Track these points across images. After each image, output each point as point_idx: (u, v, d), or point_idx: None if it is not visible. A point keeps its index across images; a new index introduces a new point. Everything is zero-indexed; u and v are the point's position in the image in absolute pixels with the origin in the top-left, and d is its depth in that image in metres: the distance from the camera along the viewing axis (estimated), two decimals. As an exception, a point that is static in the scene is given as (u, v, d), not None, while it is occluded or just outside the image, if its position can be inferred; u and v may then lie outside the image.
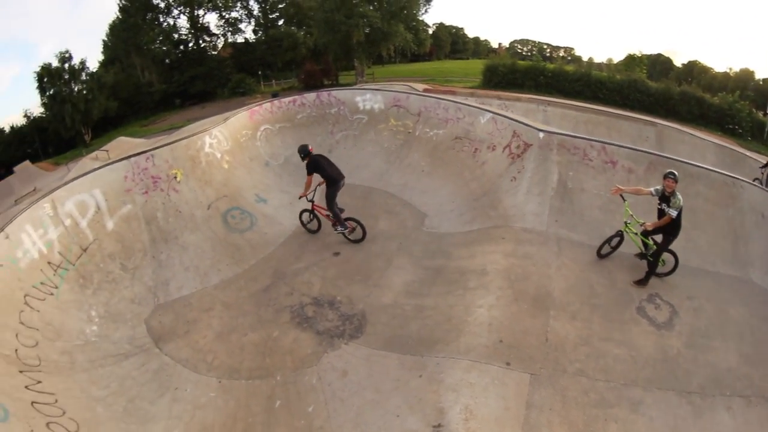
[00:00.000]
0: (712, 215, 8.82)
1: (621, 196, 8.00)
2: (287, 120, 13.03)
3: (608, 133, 18.08)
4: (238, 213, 10.04)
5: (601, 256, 8.37)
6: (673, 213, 7.33)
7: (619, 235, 8.19)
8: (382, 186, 11.32)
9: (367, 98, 13.26)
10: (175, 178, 9.66)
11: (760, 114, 36.07)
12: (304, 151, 9.04)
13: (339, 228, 9.26)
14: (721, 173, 9.52)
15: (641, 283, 8.02)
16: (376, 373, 6.26)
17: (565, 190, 9.49)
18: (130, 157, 9.47)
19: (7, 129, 52.68)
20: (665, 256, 8.14)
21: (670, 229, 7.59)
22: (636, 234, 8.02)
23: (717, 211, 9.00)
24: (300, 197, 9.21)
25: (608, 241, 8.28)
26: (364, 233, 9.31)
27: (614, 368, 6.43)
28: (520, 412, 5.55)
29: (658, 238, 7.81)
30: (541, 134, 9.99)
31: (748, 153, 20.28)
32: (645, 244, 8.05)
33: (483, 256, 8.21)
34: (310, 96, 13.67)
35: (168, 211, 9.27)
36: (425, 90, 19.38)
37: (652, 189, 7.65)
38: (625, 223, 8.05)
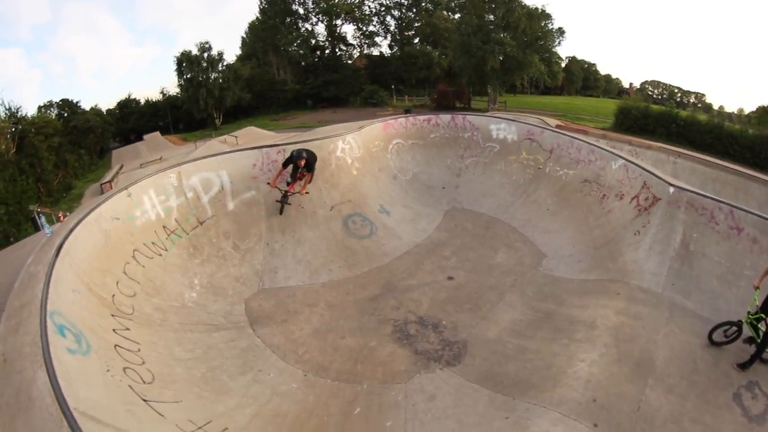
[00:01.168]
0: None
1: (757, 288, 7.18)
2: (420, 137, 13.37)
3: (735, 194, 16.05)
4: (359, 219, 10.47)
5: (712, 342, 7.58)
6: None
7: (738, 325, 7.37)
8: (506, 218, 11.32)
9: (501, 127, 13.30)
10: (304, 174, 10.23)
11: None
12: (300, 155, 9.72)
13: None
14: None
15: (744, 366, 7.24)
16: (463, 404, 6.20)
17: (687, 253, 8.83)
18: (262, 147, 10.23)
19: (142, 102, 59.33)
20: None
21: None
22: (752, 318, 7.23)
23: None
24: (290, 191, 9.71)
25: (724, 328, 7.52)
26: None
27: None
28: None
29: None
30: (672, 189, 9.38)
31: None
32: (756, 329, 7.24)
33: (595, 309, 7.87)
34: (445, 117, 13.94)
35: (291, 205, 9.84)
36: (557, 126, 18.84)
37: None
38: (748, 313, 7.26)
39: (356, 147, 11.77)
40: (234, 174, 9.50)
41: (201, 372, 6.32)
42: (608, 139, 19.61)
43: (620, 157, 11.15)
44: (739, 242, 8.62)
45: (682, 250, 8.92)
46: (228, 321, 7.57)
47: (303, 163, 9.55)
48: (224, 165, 9.48)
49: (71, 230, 6.58)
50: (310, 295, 8.52)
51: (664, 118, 30.13)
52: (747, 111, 57.93)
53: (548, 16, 43.86)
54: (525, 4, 42.56)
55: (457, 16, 54.20)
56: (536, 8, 42.64)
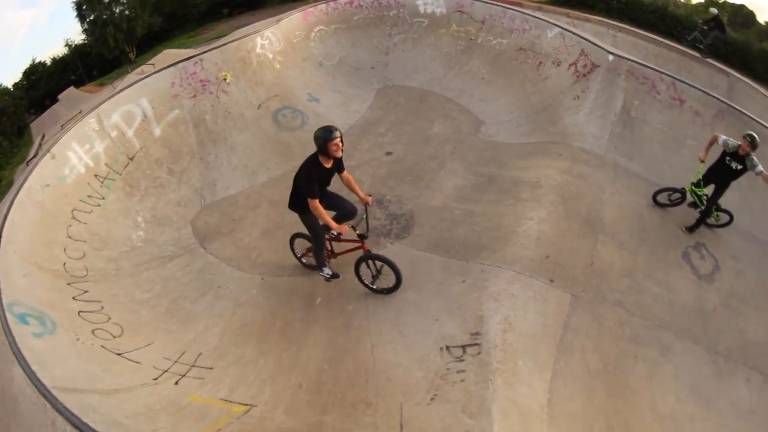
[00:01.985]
0: None
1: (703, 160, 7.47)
2: (343, 21, 12.54)
3: (678, 71, 16.57)
4: (289, 112, 9.93)
5: (656, 203, 7.99)
6: (760, 168, 6.91)
7: (681, 193, 7.77)
8: (439, 90, 11.02)
9: (429, 2, 12.62)
10: (225, 79, 9.53)
11: None
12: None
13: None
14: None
15: (691, 229, 7.79)
16: (419, 274, 6.26)
17: (628, 118, 9.06)
18: (177, 63, 9.35)
19: (48, 62, 52.81)
20: (723, 216, 7.88)
21: (726, 182, 7.29)
22: (695, 189, 7.62)
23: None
24: None
25: (668, 193, 7.92)
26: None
27: (652, 307, 6.33)
28: (557, 332, 5.53)
29: (709, 190, 7.51)
30: (611, 57, 9.46)
31: None
32: (699, 197, 7.66)
33: (538, 169, 7.96)
34: None
35: (217, 113, 9.22)
36: None
37: (721, 138, 7.17)
38: (692, 183, 7.61)
39: (276, 41, 10.97)
40: (154, 99, 8.71)
41: (165, 307, 6.20)
42: (544, 12, 19.08)
43: (556, 25, 10.98)
44: (682, 113, 9.00)
45: (623, 115, 9.13)
46: (179, 248, 7.29)
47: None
48: (142, 93, 8.64)
49: (5, 216, 6.05)
50: (252, 197, 8.24)
51: None
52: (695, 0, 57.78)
53: None
54: None
55: None
56: None
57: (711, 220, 7.98)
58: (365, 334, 5.62)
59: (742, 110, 8.97)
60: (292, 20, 11.89)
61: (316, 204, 5.33)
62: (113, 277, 6.51)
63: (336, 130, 5.32)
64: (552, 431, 4.59)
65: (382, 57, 12.24)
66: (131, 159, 8.15)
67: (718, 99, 9.22)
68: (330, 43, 12.18)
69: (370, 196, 5.78)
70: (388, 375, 5.07)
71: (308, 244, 6.38)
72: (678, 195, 7.85)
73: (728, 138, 7.11)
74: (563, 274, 6.10)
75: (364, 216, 5.63)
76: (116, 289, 6.30)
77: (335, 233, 5.57)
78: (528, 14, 11.64)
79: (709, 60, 18.63)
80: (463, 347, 5.15)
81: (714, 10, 17.37)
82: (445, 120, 9.97)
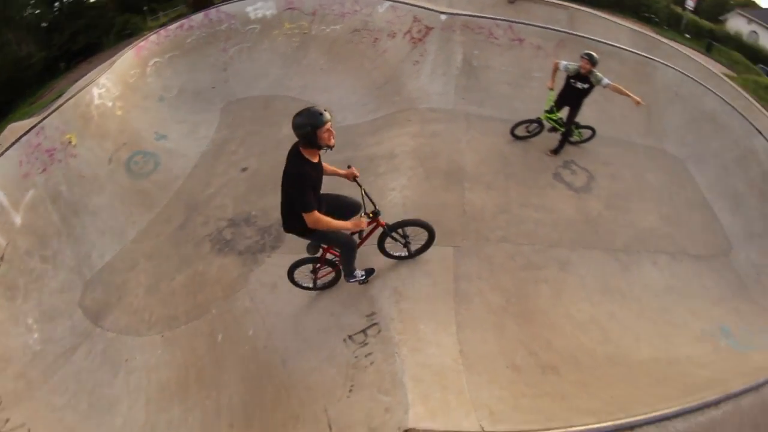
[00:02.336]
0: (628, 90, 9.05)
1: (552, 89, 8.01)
2: (176, 47, 12.14)
3: (517, 16, 17.80)
4: (140, 158, 9.53)
5: (515, 137, 8.46)
6: (606, 81, 7.52)
7: (538, 122, 8.30)
8: (282, 92, 11.02)
9: (258, 6, 12.48)
10: (70, 143, 8.92)
11: (679, 9, 37.00)
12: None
13: None
14: (634, 52, 9.76)
15: (555, 151, 8.38)
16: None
17: (470, 69, 9.56)
18: (19, 138, 8.60)
19: None
20: (584, 130, 8.53)
21: (577, 102, 7.86)
22: (550, 116, 8.17)
23: (630, 87, 9.24)
24: None
25: (525, 125, 8.38)
26: None
27: (537, 232, 6.75)
28: (449, 286, 5.75)
29: (564, 114, 8.07)
30: (443, 17, 9.92)
31: (664, 40, 20.61)
32: (555, 121, 8.24)
33: (390, 140, 8.20)
34: (197, 17, 12.66)
35: (71, 181, 8.63)
36: None
37: (561, 63, 7.69)
38: (545, 111, 8.14)
39: (113, 86, 10.42)
40: (5, 184, 7.90)
41: (86, 402, 5.84)
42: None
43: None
44: (523, 50, 9.65)
45: (465, 67, 9.62)
46: (76, 336, 6.84)
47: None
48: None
49: None
50: (127, 258, 7.89)
51: None
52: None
53: None
54: None
55: None
56: None
57: (575, 138, 8.63)
58: (272, 352, 5.60)
59: (581, 34, 9.74)
60: (125, 60, 11.33)
61: (316, 217, 4.45)
62: (27, 393, 6.02)
63: (324, 111, 4.40)
64: (472, 377, 4.75)
65: (221, 74, 12.02)
66: (1, 259, 7.52)
67: (556, 30, 10.04)
68: (167, 74, 11.75)
69: (349, 167, 5.23)
70: (305, 383, 5.09)
71: (311, 266, 5.57)
72: (535, 125, 8.39)
73: (568, 63, 7.65)
74: (439, 230, 6.20)
75: (363, 193, 5.11)
76: (35, 404, 5.87)
77: (356, 231, 4.97)
78: None
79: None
80: (364, 331, 5.24)
81: None
82: (288, 119, 9.78)
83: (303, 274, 5.67)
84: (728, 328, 6.87)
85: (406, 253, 5.84)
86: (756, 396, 4.72)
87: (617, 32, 18.90)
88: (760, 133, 10.79)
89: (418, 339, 5.03)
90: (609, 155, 8.76)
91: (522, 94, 9.25)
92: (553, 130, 8.44)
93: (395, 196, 6.89)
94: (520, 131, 8.51)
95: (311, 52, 11.59)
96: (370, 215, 5.11)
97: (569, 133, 8.29)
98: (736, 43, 38.99)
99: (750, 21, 48.39)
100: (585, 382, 4.93)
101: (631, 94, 7.66)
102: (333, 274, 5.81)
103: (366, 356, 4.99)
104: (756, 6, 55.10)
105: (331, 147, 4.53)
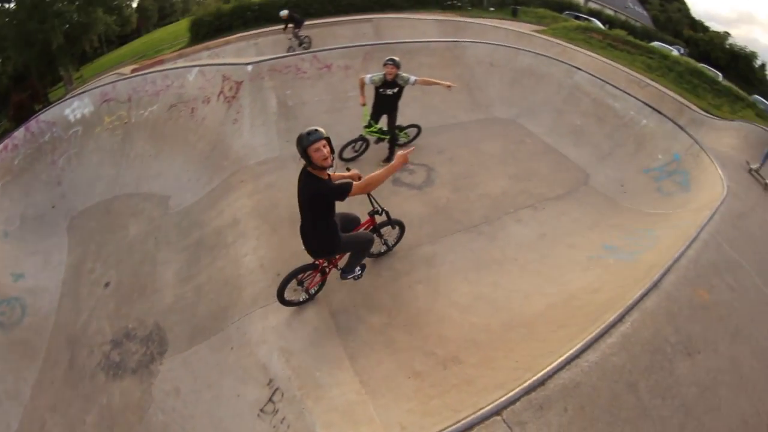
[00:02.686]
0: (441, 78, 9.35)
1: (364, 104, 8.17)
2: (6, 173, 10.82)
3: (324, 42, 18.45)
4: (5, 307, 8.36)
5: (345, 160, 8.55)
6: (413, 79, 7.77)
7: (362, 139, 8.48)
8: (119, 191, 10.32)
9: (75, 107, 11.54)
10: None
11: None
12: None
13: None
14: (440, 41, 10.17)
15: (388, 159, 8.58)
16: (198, 371, 5.94)
17: (287, 110, 9.58)
18: None
19: None
20: (409, 129, 8.88)
21: (392, 107, 8.09)
22: (370, 129, 8.34)
23: (445, 73, 9.63)
24: None
25: (351, 145, 8.49)
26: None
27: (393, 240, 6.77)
28: (329, 325, 5.67)
29: (384, 123, 8.29)
30: (249, 67, 9.84)
31: (469, 20, 22.61)
32: (377, 132, 8.45)
33: (230, 207, 7.98)
34: (19, 133, 11.44)
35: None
36: (133, 71, 17.63)
37: (366, 78, 7.85)
38: (364, 127, 8.32)
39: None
40: None
41: None
42: (185, 57, 19.27)
43: (194, 66, 11.04)
44: (333, 76, 9.90)
45: (282, 109, 9.62)
46: None
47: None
48: None
49: None
50: (34, 419, 6.86)
51: (237, 11, 30.12)
52: None
53: None
54: None
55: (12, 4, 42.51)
56: None
57: (402, 140, 8.82)
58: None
59: (382, 42, 10.05)
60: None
61: (363, 183, 4.69)
62: None
63: (316, 130, 4.56)
64: (378, 401, 4.71)
65: (57, 190, 10.91)
66: None
67: (359, 45, 10.46)
68: (5, 205, 10.42)
69: (348, 169, 5.47)
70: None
71: (306, 273, 5.62)
72: (360, 142, 8.57)
73: (371, 75, 7.85)
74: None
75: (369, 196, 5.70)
76: None
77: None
78: (166, 69, 11.48)
79: (349, 17, 21.07)
80: (270, 400, 5.07)
81: (284, 13, 18.86)
82: (136, 217, 9.41)
83: (291, 291, 5.72)
84: (611, 245, 7.30)
85: (386, 248, 6.54)
86: (659, 293, 5.04)
87: (424, 27, 20.21)
88: (579, 68, 11.75)
89: (317, 387, 4.96)
90: (441, 143, 9.16)
91: (342, 118, 9.43)
92: (380, 140, 8.65)
93: (250, 261, 6.70)
94: (348, 153, 8.64)
95: (136, 141, 11.01)
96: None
97: (395, 139, 8.55)
98: (540, 1, 42.94)
99: None
100: (488, 359, 4.99)
101: (439, 81, 8.04)
102: (321, 280, 5.92)
103: (281, 422, 4.84)
104: None
105: (325, 167, 4.63)
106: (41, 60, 36.12)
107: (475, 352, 5.13)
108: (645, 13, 64.01)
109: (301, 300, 5.87)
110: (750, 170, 13.55)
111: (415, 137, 9.19)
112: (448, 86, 7.93)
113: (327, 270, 5.79)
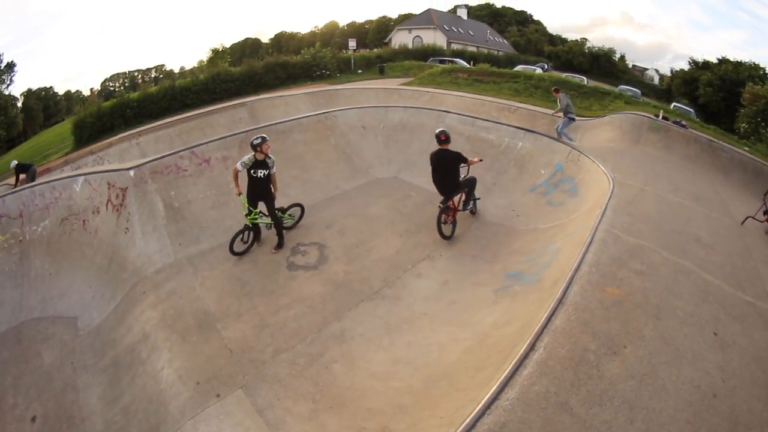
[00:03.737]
0: (318, 152, 9.60)
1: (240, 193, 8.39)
2: None
3: (203, 133, 18.65)
4: None
5: (236, 253, 8.59)
6: (274, 168, 8.23)
7: (248, 228, 8.56)
8: (25, 316, 9.55)
9: None
10: None
11: (345, 52, 42.51)
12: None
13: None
14: (310, 115, 10.51)
15: (279, 245, 8.81)
16: None
17: (175, 212, 9.48)
18: None
19: None
20: (292, 210, 9.15)
21: (264, 191, 8.33)
22: (252, 216, 8.48)
23: (320, 145, 9.85)
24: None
25: (239, 237, 8.52)
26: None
27: (301, 326, 6.92)
28: (259, 423, 5.59)
29: (263, 206, 8.52)
30: (131, 172, 9.65)
31: (338, 87, 23.85)
32: (256, 218, 8.59)
33: (138, 322, 7.75)
34: None
35: None
36: (22, 181, 16.73)
37: (238, 165, 8.09)
38: (246, 215, 8.46)
39: None
40: None
41: None
42: (70, 163, 18.54)
43: (78, 175, 10.64)
44: (213, 169, 10.00)
45: (169, 212, 9.48)
46: None
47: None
48: None
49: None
50: None
51: (117, 109, 29.47)
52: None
53: None
54: None
55: None
56: None
57: (288, 222, 9.01)
58: None
59: (253, 127, 10.17)
60: None
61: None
62: None
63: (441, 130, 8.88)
64: None
65: None
66: None
67: (230, 135, 10.49)
68: None
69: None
70: None
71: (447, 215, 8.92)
72: (247, 232, 8.63)
73: (241, 160, 8.11)
74: (219, 381, 6.19)
75: None
76: None
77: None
78: (52, 180, 10.99)
79: (224, 104, 21.45)
80: None
81: (13, 164, 17.89)
82: (45, 344, 8.76)
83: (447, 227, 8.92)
84: (514, 271, 7.60)
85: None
86: (566, 308, 5.22)
87: (297, 102, 20.90)
88: (448, 111, 12.50)
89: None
90: (329, 216, 9.53)
91: (229, 210, 9.55)
92: (266, 226, 8.88)
93: (168, 374, 6.51)
94: (239, 246, 8.65)
95: (34, 259, 10.31)
96: None
97: (279, 223, 8.73)
98: (405, 54, 45.97)
99: (411, 30, 59.24)
100: (415, 421, 5.04)
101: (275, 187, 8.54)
102: (454, 216, 9.16)
103: None
104: (412, 15, 66.80)
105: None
106: None
107: (402, 417, 5.20)
108: (505, 42, 69.74)
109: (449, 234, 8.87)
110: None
111: (300, 217, 9.40)
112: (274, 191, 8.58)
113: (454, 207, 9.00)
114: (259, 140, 8.04)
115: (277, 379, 6.08)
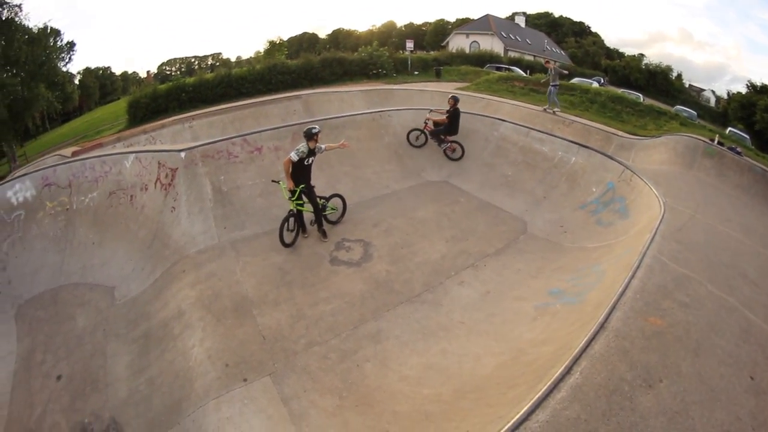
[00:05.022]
0: (370, 150, 9.59)
1: (275, 181, 8.61)
2: None
3: (257, 122, 18.95)
4: None
5: (287, 245, 8.62)
6: (322, 149, 8.42)
7: (292, 214, 8.58)
8: (64, 280, 9.95)
9: (17, 189, 11.19)
10: None
11: (402, 52, 42.41)
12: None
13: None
14: (364, 113, 10.52)
15: (324, 236, 8.85)
16: None
17: (222, 196, 9.62)
18: None
19: None
20: (333, 201, 9.14)
21: (308, 176, 8.45)
22: (295, 202, 8.50)
23: (372, 144, 9.87)
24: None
25: (285, 225, 8.53)
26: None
27: (338, 321, 6.87)
28: (282, 412, 5.57)
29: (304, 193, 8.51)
30: (183, 154, 9.85)
31: (395, 87, 23.88)
32: (302, 205, 8.64)
33: (174, 298, 7.87)
34: None
35: None
36: (74, 153, 17.23)
37: (292, 155, 8.16)
38: (290, 200, 8.50)
39: None
40: None
41: None
42: (123, 140, 19.05)
43: (131, 152, 10.97)
44: (264, 158, 10.06)
45: (217, 196, 9.65)
46: None
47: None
48: None
49: None
50: None
51: (173, 92, 30.46)
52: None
53: (56, 33, 37.29)
54: (27, 27, 34.43)
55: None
56: (40, 29, 35.13)
57: (330, 211, 8.97)
58: None
59: (308, 120, 10.20)
60: None
61: None
62: None
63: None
64: None
65: (1, 275, 10.33)
66: None
67: (286, 126, 10.61)
68: None
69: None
70: None
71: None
72: (291, 219, 8.63)
73: (295, 150, 8.20)
74: (249, 366, 6.20)
75: None
76: None
77: None
78: (104, 155, 11.36)
79: (279, 95, 21.78)
80: None
81: None
82: (82, 308, 9.09)
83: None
84: (557, 289, 7.38)
85: None
86: (606, 334, 4.99)
87: (351, 99, 20.96)
88: (503, 120, 12.28)
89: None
90: (376, 215, 9.46)
91: (276, 200, 9.59)
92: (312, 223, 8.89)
93: (198, 353, 6.58)
94: (287, 237, 8.66)
95: (79, 228, 10.70)
96: None
97: (320, 209, 8.73)
98: (462, 58, 45.50)
99: (468, 35, 58.92)
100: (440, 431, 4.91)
101: (333, 145, 8.64)
102: None
103: None
104: (469, 20, 66.48)
105: None
106: (-19, 134, 34.97)
107: (427, 425, 5.09)
108: (563, 52, 68.34)
109: None
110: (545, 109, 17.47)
111: (343, 211, 9.48)
112: (342, 145, 8.65)
113: None
114: (317, 129, 8.17)
115: (306, 371, 6.05)
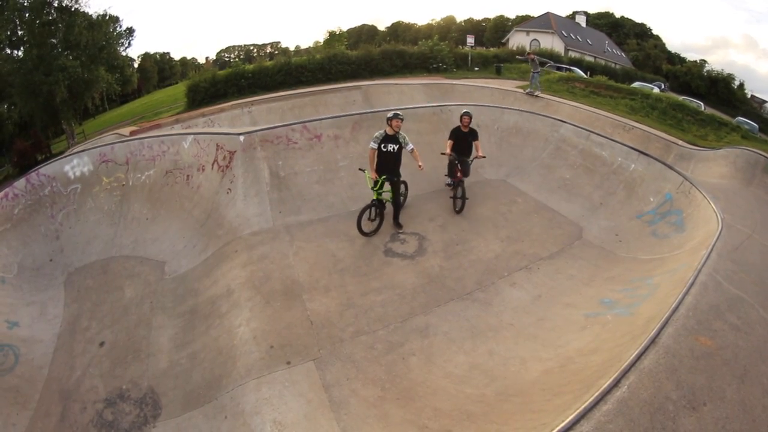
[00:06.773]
0: (430, 144, 9.69)
1: (361, 169, 8.55)
2: (6, 221, 10.82)
3: (316, 110, 19.20)
4: None
5: (365, 234, 8.60)
6: (410, 146, 8.32)
7: (374, 203, 8.52)
8: (115, 252, 10.34)
9: (74, 164, 11.63)
10: None
11: (462, 47, 42.39)
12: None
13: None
14: (425, 106, 10.52)
15: (397, 225, 8.88)
16: None
17: (280, 180, 9.73)
18: None
19: None
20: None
21: (396, 166, 8.43)
22: (378, 188, 8.44)
23: (432, 138, 9.88)
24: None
25: (366, 213, 8.47)
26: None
27: (387, 313, 6.85)
28: (322, 398, 5.61)
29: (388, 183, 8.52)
30: (242, 137, 10.00)
31: (455, 82, 23.59)
32: (382, 194, 8.56)
33: (224, 277, 8.01)
34: (20, 183, 11.46)
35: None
36: (132, 132, 17.91)
37: (372, 143, 8.31)
38: (373, 189, 8.43)
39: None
40: None
41: None
42: (181, 122, 19.66)
43: (189, 133, 11.32)
44: (323, 145, 10.19)
45: (274, 180, 9.76)
46: None
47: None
48: None
49: None
50: None
51: (232, 78, 31.08)
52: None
53: (115, 20, 39.02)
54: (87, 14, 36.16)
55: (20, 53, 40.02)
56: (100, 15, 36.97)
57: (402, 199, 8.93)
58: None
59: (369, 111, 10.26)
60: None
61: None
62: None
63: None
64: None
65: (55, 244, 10.89)
66: None
67: (347, 114, 10.74)
68: (2, 252, 10.36)
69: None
70: None
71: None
72: (373, 208, 8.57)
73: (374, 137, 8.30)
74: (294, 350, 6.25)
75: None
76: None
77: None
78: (162, 135, 11.68)
79: (339, 85, 21.97)
80: None
81: None
82: (132, 279, 9.41)
83: None
84: (608, 299, 7.18)
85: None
86: (657, 349, 4.86)
87: (412, 92, 20.86)
88: (564, 121, 11.98)
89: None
90: (432, 209, 9.39)
91: (334, 188, 9.67)
92: (381, 205, 8.75)
93: (244, 332, 6.69)
94: (367, 225, 8.61)
95: (133, 203, 11.09)
96: None
97: (399, 203, 8.76)
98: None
99: (528, 33, 57.58)
100: None
101: (419, 160, 8.38)
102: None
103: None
104: (529, 17, 65.10)
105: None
106: (45, 111, 36.69)
107: (468, 425, 5.03)
108: (623, 55, 65.87)
109: None
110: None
111: (405, 195, 9.42)
112: (420, 167, 8.36)
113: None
114: (392, 114, 8.19)
115: (351, 360, 6.07)
